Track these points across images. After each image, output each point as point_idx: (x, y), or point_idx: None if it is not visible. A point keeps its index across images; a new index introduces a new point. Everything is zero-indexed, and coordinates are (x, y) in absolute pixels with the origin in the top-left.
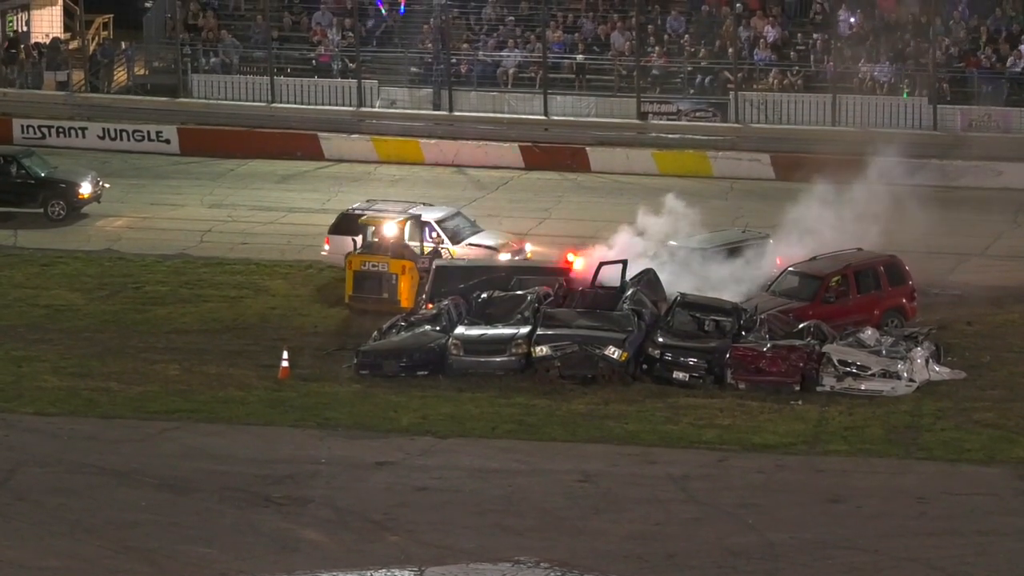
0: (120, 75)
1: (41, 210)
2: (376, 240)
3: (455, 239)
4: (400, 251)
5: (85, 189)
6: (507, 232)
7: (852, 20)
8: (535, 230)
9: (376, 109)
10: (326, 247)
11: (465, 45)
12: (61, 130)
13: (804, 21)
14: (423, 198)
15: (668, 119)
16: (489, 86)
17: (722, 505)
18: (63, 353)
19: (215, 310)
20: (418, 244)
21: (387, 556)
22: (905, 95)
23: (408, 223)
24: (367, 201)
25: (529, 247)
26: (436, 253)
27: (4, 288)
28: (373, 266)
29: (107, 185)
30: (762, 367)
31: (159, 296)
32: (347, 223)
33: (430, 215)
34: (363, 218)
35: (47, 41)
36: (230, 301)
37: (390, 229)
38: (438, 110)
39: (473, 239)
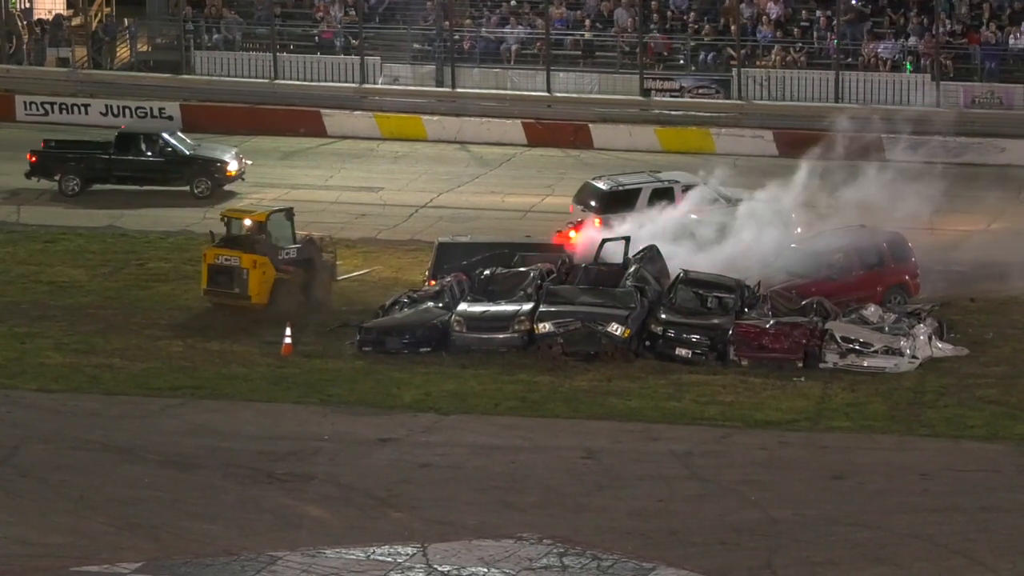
0: (123, 52)
1: (187, 188)
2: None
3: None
4: (255, 245)
5: (232, 166)
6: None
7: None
8: (538, 207)
9: (379, 86)
10: (596, 224)
11: (468, 21)
12: (64, 107)
13: None
14: (425, 175)
15: (671, 96)
16: (492, 63)
17: (725, 482)
18: (66, 329)
19: None
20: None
21: (390, 532)
22: (908, 67)
23: (272, 216)
24: (608, 176)
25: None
26: (311, 241)
27: (7, 264)
28: (226, 260)
29: (249, 162)
30: (765, 344)
31: (162, 273)
32: (615, 200)
33: (686, 181)
34: (224, 211)
35: (50, 17)
36: None
37: (248, 223)
38: (441, 87)
39: None
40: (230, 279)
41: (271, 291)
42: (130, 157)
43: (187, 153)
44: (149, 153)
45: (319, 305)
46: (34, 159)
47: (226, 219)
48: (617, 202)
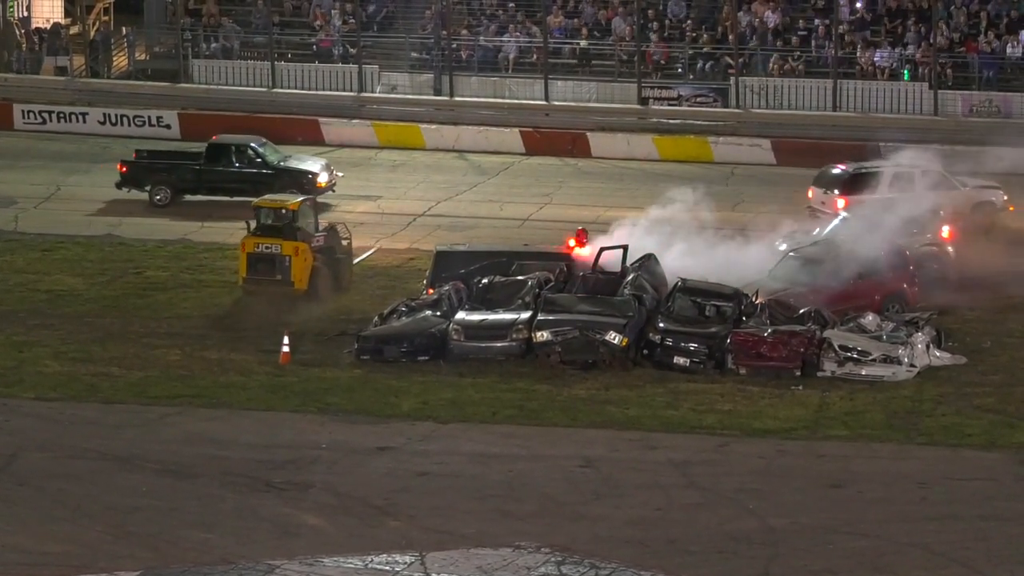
0: (120, 60)
1: None
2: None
3: None
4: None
5: (322, 178)
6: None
7: (859, 4)
8: (536, 215)
9: (377, 94)
10: (841, 206)
11: (465, 31)
12: (62, 115)
13: (805, 6)
14: (423, 183)
15: (669, 104)
16: (490, 71)
17: (723, 490)
18: (64, 338)
19: (216, 295)
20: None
21: (388, 541)
22: (907, 75)
23: (303, 205)
24: (848, 161)
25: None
26: (333, 229)
27: (5, 273)
28: (266, 248)
29: (341, 174)
30: (763, 352)
31: (160, 281)
32: (859, 182)
33: (925, 166)
34: (256, 202)
35: (47, 26)
36: (231, 286)
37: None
38: (439, 95)
39: None
40: (272, 266)
41: (310, 277)
42: (220, 168)
43: (277, 164)
44: (239, 164)
45: (344, 290)
46: (124, 169)
47: (258, 209)
48: (860, 184)
